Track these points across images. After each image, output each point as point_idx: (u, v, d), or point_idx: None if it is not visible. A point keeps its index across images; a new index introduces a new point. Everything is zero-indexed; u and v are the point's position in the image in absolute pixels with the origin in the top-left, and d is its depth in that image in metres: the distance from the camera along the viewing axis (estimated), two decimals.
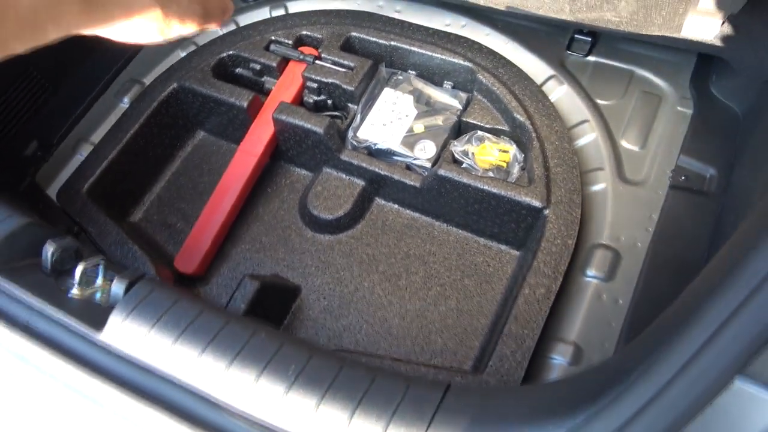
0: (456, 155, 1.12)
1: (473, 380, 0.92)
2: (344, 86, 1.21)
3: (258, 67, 1.28)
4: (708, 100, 1.18)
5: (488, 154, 1.12)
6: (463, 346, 1.06)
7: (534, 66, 1.26)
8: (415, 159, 1.15)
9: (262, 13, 1.44)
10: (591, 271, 1.04)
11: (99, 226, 1.14)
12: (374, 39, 1.26)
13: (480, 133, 1.15)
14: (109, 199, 1.21)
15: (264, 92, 1.29)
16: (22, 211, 0.88)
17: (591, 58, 1.28)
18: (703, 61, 1.23)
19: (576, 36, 1.28)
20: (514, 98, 1.15)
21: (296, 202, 1.25)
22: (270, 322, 1.08)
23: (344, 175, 1.20)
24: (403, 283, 1.13)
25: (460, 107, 1.20)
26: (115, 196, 1.23)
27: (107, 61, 1.40)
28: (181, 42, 1.39)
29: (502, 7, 1.20)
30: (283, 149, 1.26)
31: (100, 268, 0.82)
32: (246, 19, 1.44)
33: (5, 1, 0.46)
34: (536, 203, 1.04)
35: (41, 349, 0.72)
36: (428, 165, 1.14)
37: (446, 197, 1.12)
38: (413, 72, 1.27)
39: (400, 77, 1.25)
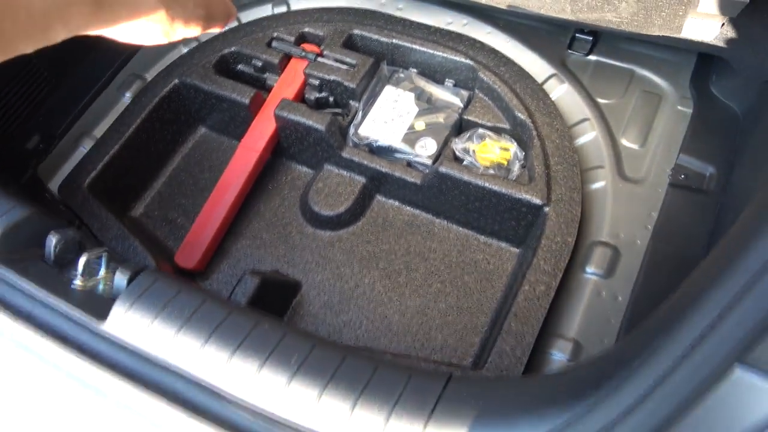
0: (457, 153, 1.13)
1: (473, 376, 0.92)
2: (346, 83, 1.21)
3: (260, 63, 1.28)
4: (708, 100, 1.19)
5: (489, 152, 1.12)
6: (462, 343, 1.06)
7: (535, 64, 1.27)
8: (416, 156, 1.15)
9: (264, 10, 1.45)
10: (591, 268, 1.04)
11: (100, 221, 1.14)
12: (376, 37, 1.27)
13: (481, 130, 1.15)
14: (111, 194, 1.21)
15: (266, 89, 1.29)
16: (26, 202, 0.88)
17: (592, 57, 1.29)
18: (703, 61, 1.24)
19: (577, 35, 1.28)
20: (515, 96, 1.15)
21: (297, 198, 1.25)
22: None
23: (345, 172, 1.20)
24: (404, 280, 1.13)
25: (461, 105, 1.21)
26: (117, 190, 1.23)
27: (110, 55, 1.40)
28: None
29: (503, 6, 1.21)
30: (285, 146, 1.26)
31: (103, 260, 0.82)
32: (248, 15, 1.44)
33: (17, 2, 0.46)
34: (536, 201, 1.05)
35: (44, 339, 0.73)
36: (429, 162, 1.14)
37: (447, 194, 1.12)
38: (415, 70, 1.27)
39: (402, 75, 1.26)
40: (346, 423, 0.63)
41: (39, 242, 0.83)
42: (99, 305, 0.75)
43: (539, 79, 1.24)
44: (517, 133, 1.15)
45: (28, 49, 0.49)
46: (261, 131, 1.23)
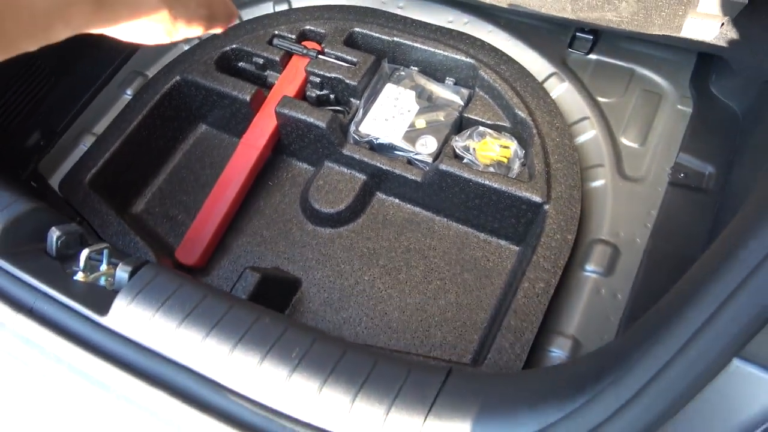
0: (457, 150, 1.13)
1: (473, 371, 0.93)
2: (347, 81, 1.22)
3: (261, 61, 1.29)
4: (708, 99, 1.20)
5: (489, 150, 1.13)
6: (462, 340, 1.06)
7: (535, 63, 1.27)
8: (416, 154, 1.16)
9: (266, 8, 1.45)
10: (590, 266, 1.05)
11: (101, 217, 1.15)
12: (377, 35, 1.27)
13: (481, 128, 1.16)
14: (111, 190, 1.21)
15: (267, 86, 1.30)
16: (27, 197, 0.88)
17: (592, 56, 1.29)
18: (703, 61, 1.24)
19: (577, 34, 1.29)
20: (515, 95, 1.16)
21: (298, 195, 1.25)
22: None
23: (346, 169, 1.21)
24: (403, 277, 1.14)
25: (462, 103, 1.21)
26: (117, 187, 1.23)
27: (111, 53, 1.41)
28: None
29: (504, 5, 1.21)
30: (286, 143, 1.26)
31: (105, 254, 0.83)
32: (249, 13, 1.45)
33: (19, 1, 0.47)
34: (536, 199, 1.05)
35: (46, 332, 0.73)
36: (429, 160, 1.14)
37: (447, 192, 1.13)
38: (415, 68, 1.28)
39: (403, 73, 1.26)
40: (346, 416, 0.64)
41: (41, 237, 0.83)
42: (101, 299, 0.75)
43: (540, 77, 1.24)
44: (518, 131, 1.16)
45: (30, 47, 0.49)
46: (262, 128, 1.23)
